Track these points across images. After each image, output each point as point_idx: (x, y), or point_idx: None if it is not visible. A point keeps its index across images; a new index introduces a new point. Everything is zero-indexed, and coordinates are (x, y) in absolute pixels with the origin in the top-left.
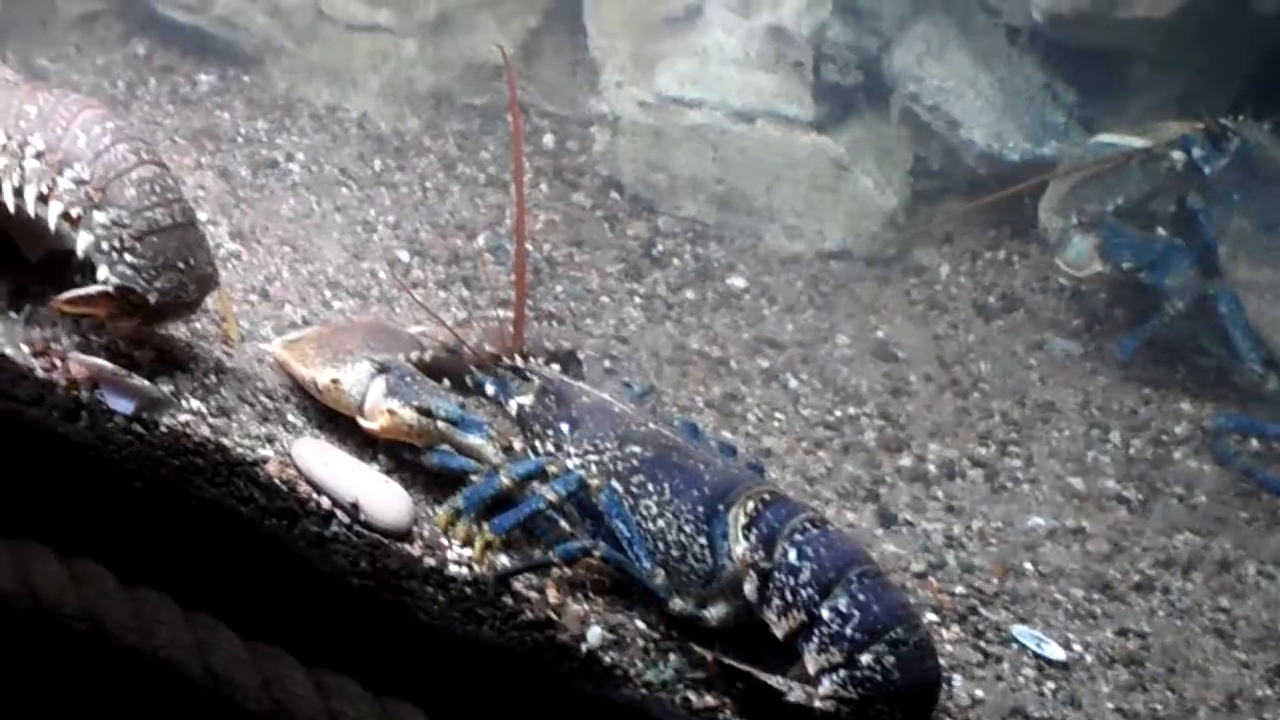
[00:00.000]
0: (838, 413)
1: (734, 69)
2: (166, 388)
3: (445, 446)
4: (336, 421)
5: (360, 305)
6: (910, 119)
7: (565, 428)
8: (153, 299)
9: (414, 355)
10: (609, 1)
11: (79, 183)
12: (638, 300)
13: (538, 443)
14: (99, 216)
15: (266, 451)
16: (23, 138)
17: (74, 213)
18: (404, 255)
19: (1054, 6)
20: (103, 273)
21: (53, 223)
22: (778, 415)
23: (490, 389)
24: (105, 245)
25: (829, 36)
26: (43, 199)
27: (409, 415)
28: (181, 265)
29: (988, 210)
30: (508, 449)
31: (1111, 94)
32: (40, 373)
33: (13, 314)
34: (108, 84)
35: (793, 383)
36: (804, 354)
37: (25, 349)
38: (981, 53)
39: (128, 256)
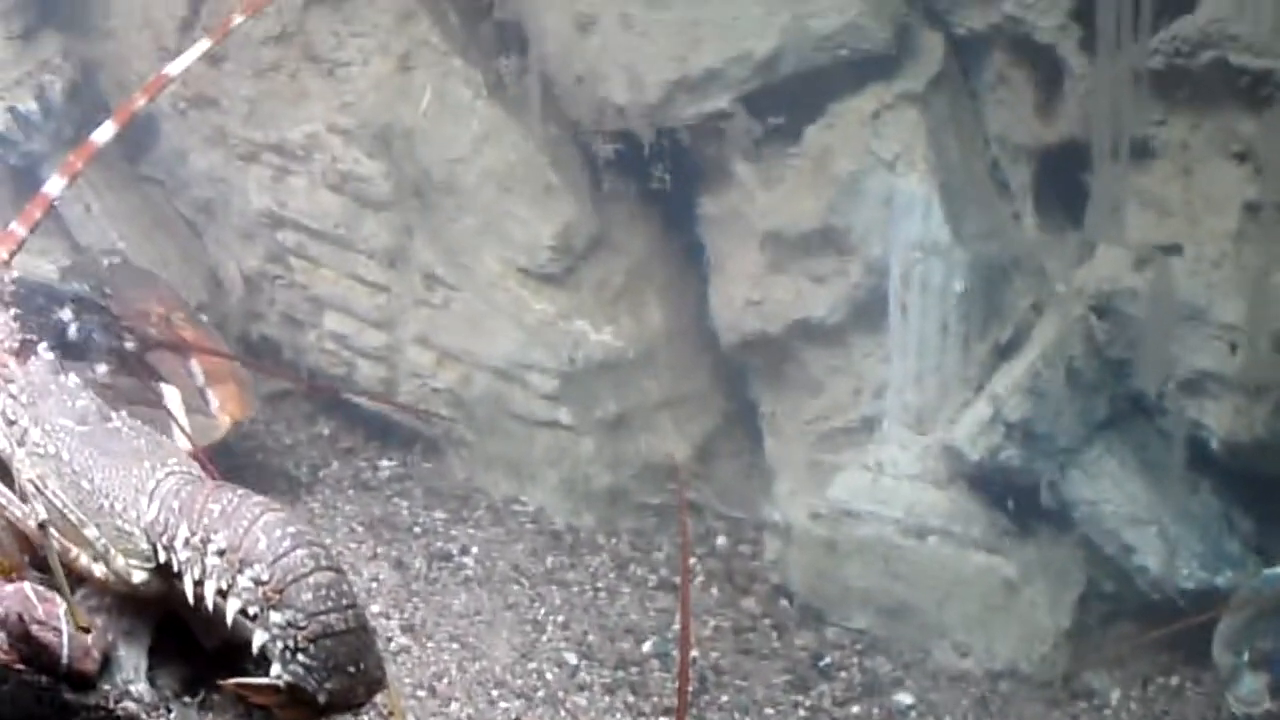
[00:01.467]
0: None
1: (907, 484)
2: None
3: None
4: None
5: (525, 706)
6: (1083, 542)
7: None
8: (322, 699)
9: None
10: (786, 408)
11: (258, 583)
12: (802, 713)
13: None
14: (275, 617)
15: None
16: (206, 534)
17: (251, 610)
18: (571, 657)
19: (1232, 435)
20: (275, 669)
21: (230, 618)
22: None
23: None
24: (279, 644)
25: (1003, 458)
26: (221, 594)
27: None
28: (352, 669)
29: (1160, 636)
30: None
31: None
32: None
33: (186, 699)
34: (292, 465)
35: None
36: None
37: None
38: (1157, 478)
39: (300, 657)
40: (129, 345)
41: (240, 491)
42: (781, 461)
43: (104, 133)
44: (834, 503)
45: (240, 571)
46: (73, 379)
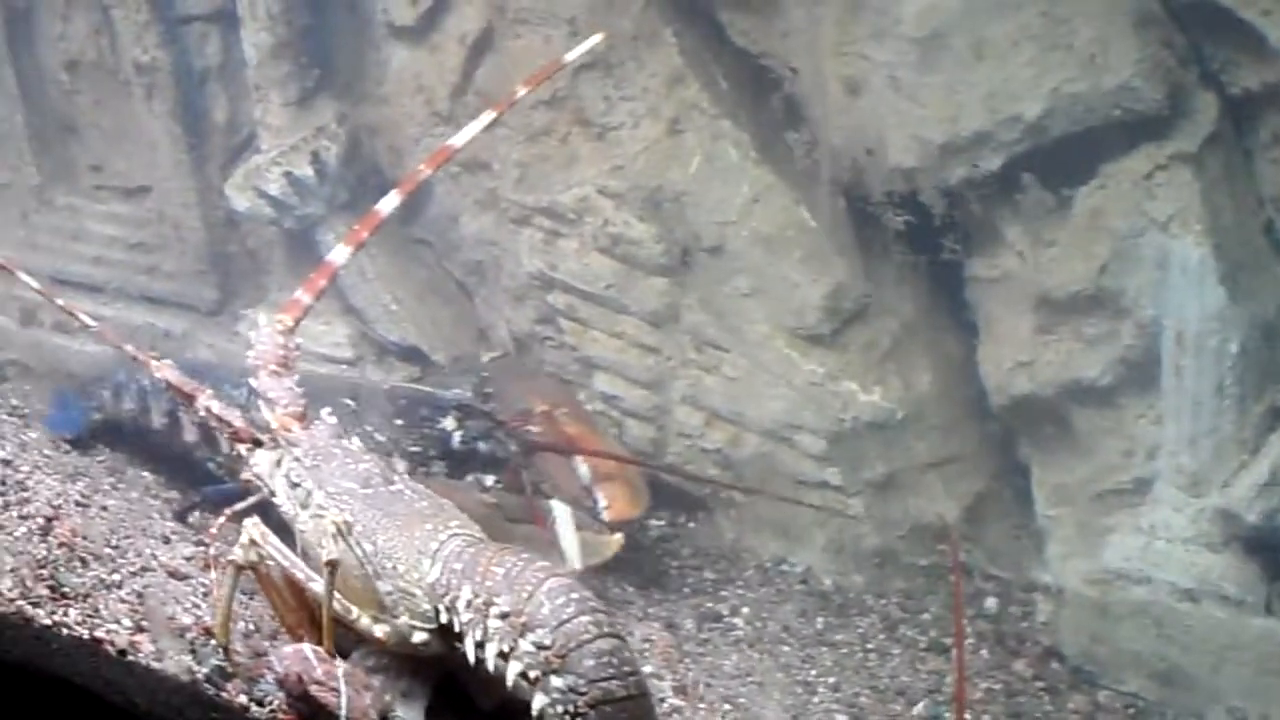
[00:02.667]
0: None
1: (1181, 548)
2: None
3: None
4: None
5: None
6: None
7: None
8: None
9: None
10: (1057, 470)
11: (540, 647)
12: None
13: None
14: (556, 681)
15: None
16: (489, 597)
17: (532, 674)
18: (843, 719)
19: None
20: None
21: (510, 680)
22: None
23: None
24: (559, 709)
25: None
26: (503, 656)
27: None
28: None
29: None
30: None
31: None
32: None
33: None
34: None
35: None
36: None
37: None
38: None
39: None
40: (514, 450)
41: (524, 555)
42: (1053, 523)
43: (389, 203)
44: (1107, 566)
45: (523, 635)
46: (356, 442)
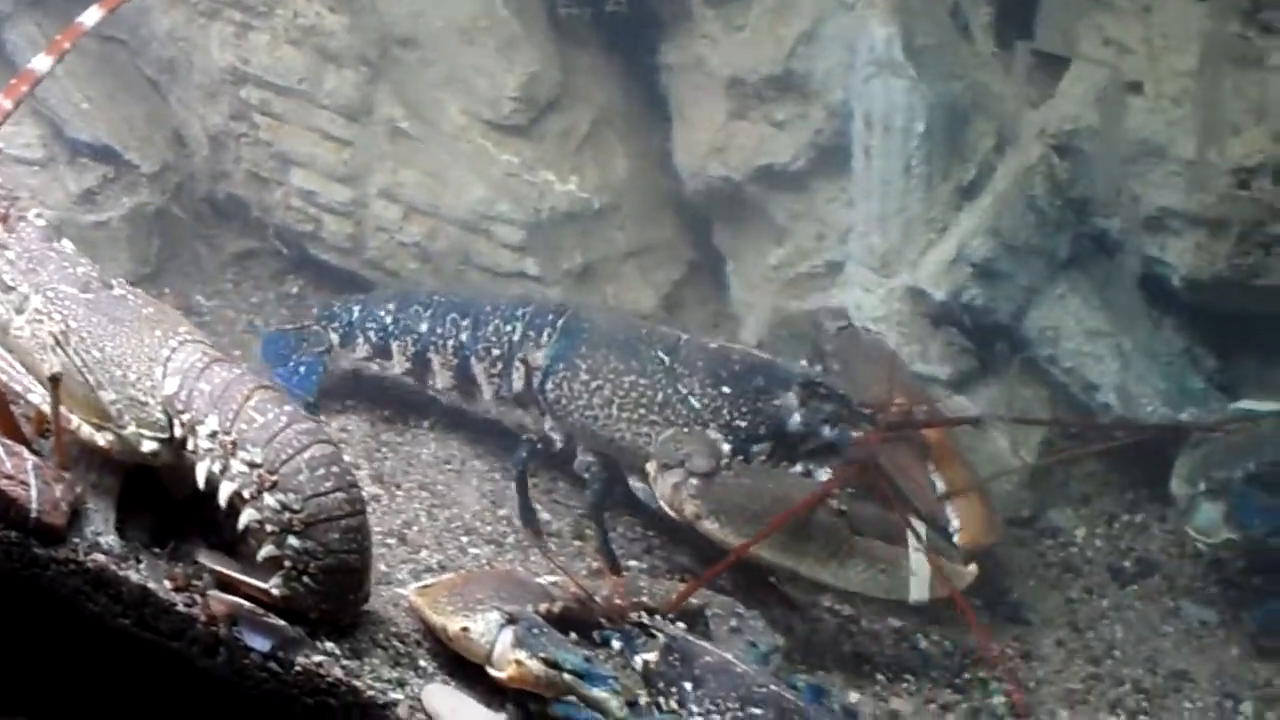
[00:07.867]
0: (968, 675)
1: (873, 327)
2: (302, 627)
3: (571, 698)
4: (467, 668)
5: (496, 553)
6: (1048, 380)
7: (689, 686)
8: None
9: (543, 606)
10: (751, 255)
11: (286, 508)
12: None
13: (661, 699)
14: (293, 541)
15: (397, 695)
16: (239, 438)
17: (269, 528)
18: (540, 507)
19: (1194, 273)
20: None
21: (242, 523)
22: (906, 677)
23: (616, 643)
24: (288, 563)
25: (967, 298)
26: (239, 498)
27: (536, 666)
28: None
29: (1125, 473)
30: (632, 703)
31: (1253, 359)
32: (181, 607)
33: (156, 550)
34: (260, 321)
35: (923, 643)
36: None
37: (168, 584)
38: (1120, 316)
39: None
40: (859, 444)
41: (287, 408)
42: (748, 308)
43: (91, 16)
44: None
45: (270, 491)
46: (68, 244)
